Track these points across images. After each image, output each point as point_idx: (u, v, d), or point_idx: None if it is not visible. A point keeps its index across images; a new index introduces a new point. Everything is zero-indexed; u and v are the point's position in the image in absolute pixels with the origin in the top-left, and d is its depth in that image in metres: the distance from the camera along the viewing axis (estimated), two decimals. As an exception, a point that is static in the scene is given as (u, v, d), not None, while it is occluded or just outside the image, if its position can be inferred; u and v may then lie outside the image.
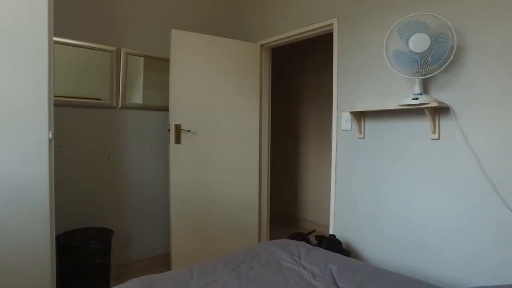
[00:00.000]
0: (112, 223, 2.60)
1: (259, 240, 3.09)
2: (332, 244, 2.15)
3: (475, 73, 1.68)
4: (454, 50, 1.68)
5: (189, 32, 2.63)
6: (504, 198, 1.58)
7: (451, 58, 1.68)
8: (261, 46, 3.01)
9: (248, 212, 2.96)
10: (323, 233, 2.81)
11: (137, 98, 2.73)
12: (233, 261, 1.64)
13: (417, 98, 1.76)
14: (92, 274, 2.23)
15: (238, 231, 2.90)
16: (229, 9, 3.33)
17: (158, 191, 2.85)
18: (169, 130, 2.58)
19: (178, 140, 2.59)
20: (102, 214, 2.56)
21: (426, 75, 1.76)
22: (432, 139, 1.86)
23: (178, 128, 2.58)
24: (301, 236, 2.43)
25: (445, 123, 1.80)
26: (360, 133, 2.20)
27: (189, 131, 2.63)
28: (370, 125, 2.17)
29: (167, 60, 2.78)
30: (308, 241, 2.30)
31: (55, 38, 2.22)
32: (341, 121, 2.34)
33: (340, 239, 2.23)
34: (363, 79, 2.20)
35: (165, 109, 2.80)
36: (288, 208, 4.40)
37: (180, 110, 2.59)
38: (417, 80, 1.81)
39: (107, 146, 2.57)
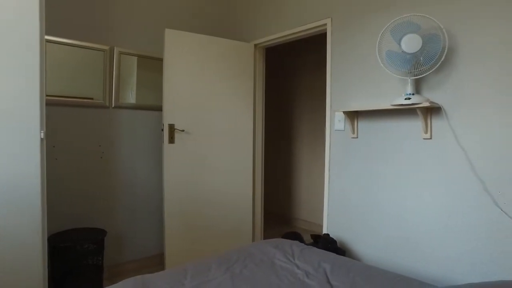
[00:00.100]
0: (105, 223, 2.58)
1: (253, 240, 3.09)
2: (327, 243, 2.17)
3: (465, 73, 1.71)
4: (446, 50, 1.70)
5: (182, 32, 2.63)
6: (494, 197, 1.60)
7: (442, 59, 1.70)
8: (255, 46, 3.02)
9: (242, 212, 2.96)
10: (318, 233, 2.82)
11: (131, 97, 2.72)
12: (226, 260, 1.64)
13: (409, 98, 1.78)
14: (84, 274, 2.21)
15: (232, 231, 2.90)
16: (223, 9, 3.33)
17: (152, 191, 2.84)
18: (162, 130, 2.57)
19: (171, 140, 2.58)
20: (95, 214, 2.54)
21: (418, 75, 1.78)
22: (424, 138, 1.88)
23: (171, 128, 2.57)
24: (295, 235, 2.44)
25: (436, 123, 1.82)
26: (353, 132, 2.22)
27: (183, 130, 2.62)
28: (363, 125, 2.19)
29: (160, 60, 2.77)
30: (301, 240, 2.31)
31: (47, 37, 2.20)
32: (335, 121, 2.35)
33: (334, 238, 2.25)
34: (356, 79, 2.21)
35: (159, 108, 2.79)
36: (282, 207, 4.41)
37: (174, 110, 2.59)
38: (409, 80, 1.83)
39: (100, 146, 2.55)
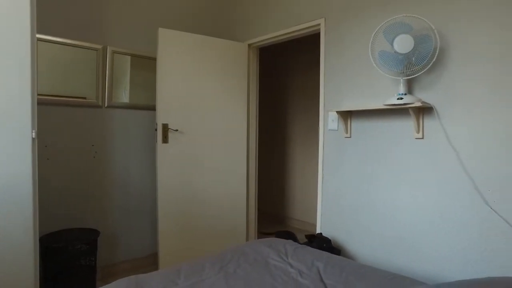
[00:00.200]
0: (98, 224, 2.56)
1: (247, 240, 3.09)
2: (323, 242, 2.18)
3: (456, 73, 1.73)
4: (437, 51, 1.72)
5: (176, 31, 2.62)
6: (484, 196, 1.63)
7: (434, 59, 1.72)
8: (249, 45, 3.02)
9: (236, 212, 2.96)
10: (312, 232, 2.83)
11: (124, 97, 2.70)
12: (220, 260, 1.64)
13: (401, 98, 1.80)
14: (77, 275, 2.19)
15: (226, 231, 2.90)
16: (216, 8, 3.32)
17: (145, 190, 2.82)
18: (156, 130, 2.56)
19: (165, 139, 2.57)
20: (88, 214, 2.52)
21: (411, 75, 1.80)
22: (416, 138, 1.90)
23: (165, 128, 2.57)
24: (288, 235, 2.44)
25: (428, 123, 1.84)
26: (347, 132, 2.23)
27: (177, 130, 2.62)
28: (356, 125, 2.20)
29: (154, 59, 2.76)
30: (295, 240, 2.32)
31: (38, 35, 2.19)
32: (328, 121, 2.37)
33: (328, 238, 2.26)
34: (350, 79, 2.23)
35: (152, 108, 2.77)
36: (276, 207, 4.42)
37: (167, 109, 2.58)
38: (401, 80, 1.84)
39: (93, 145, 2.53)
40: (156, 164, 2.58)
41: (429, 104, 1.80)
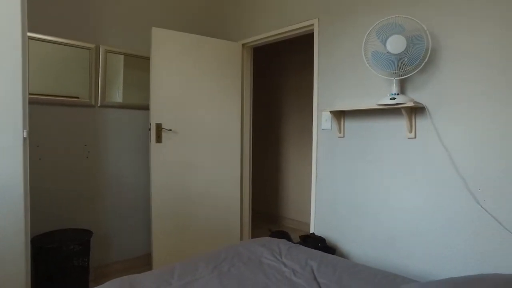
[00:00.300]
0: (91, 224, 2.54)
1: (241, 239, 3.09)
2: (318, 242, 2.19)
3: (448, 74, 1.75)
4: (429, 51, 1.74)
5: (170, 31, 2.61)
6: (475, 195, 1.65)
7: (426, 60, 1.74)
8: (243, 45, 3.02)
9: (229, 211, 2.96)
10: (307, 232, 2.84)
11: (117, 96, 2.68)
12: (214, 259, 1.64)
13: (394, 98, 1.81)
14: (70, 276, 2.18)
15: (220, 231, 2.90)
16: (210, 8, 3.32)
17: (139, 190, 2.81)
18: (149, 129, 2.55)
19: (159, 139, 2.56)
20: (81, 215, 2.50)
21: (403, 75, 1.82)
22: (408, 138, 1.92)
23: (159, 127, 2.56)
24: (282, 234, 2.45)
25: (421, 123, 1.86)
26: (340, 132, 2.25)
27: (170, 130, 2.61)
28: (349, 124, 2.22)
29: (148, 58, 2.75)
30: (289, 239, 2.33)
31: (30, 34, 2.16)
32: (322, 120, 2.38)
33: (322, 237, 2.27)
34: (343, 79, 2.24)
35: (146, 108, 2.76)
36: (270, 206, 4.43)
37: (161, 109, 2.57)
38: (394, 80, 1.86)
39: (85, 145, 2.51)
40: (150, 164, 2.57)
41: (421, 104, 1.82)
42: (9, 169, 1.63)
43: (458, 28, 1.71)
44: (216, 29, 3.28)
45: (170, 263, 2.15)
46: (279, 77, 4.32)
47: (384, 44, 1.81)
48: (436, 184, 1.79)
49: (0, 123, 1.61)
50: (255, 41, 2.91)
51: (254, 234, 3.36)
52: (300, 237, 2.32)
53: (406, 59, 1.78)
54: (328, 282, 1.43)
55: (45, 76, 2.32)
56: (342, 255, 2.24)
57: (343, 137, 2.25)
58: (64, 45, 2.38)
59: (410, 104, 1.76)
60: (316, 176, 2.43)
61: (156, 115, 2.55)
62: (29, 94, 2.14)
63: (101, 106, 2.58)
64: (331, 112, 2.21)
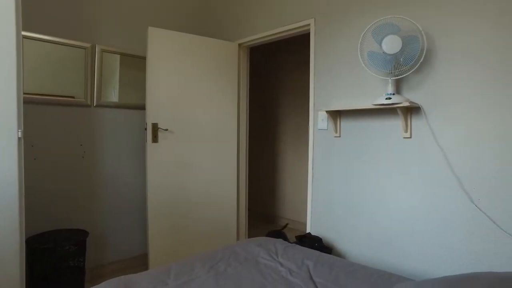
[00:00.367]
0: (87, 224, 2.53)
1: (238, 239, 3.09)
2: (314, 242, 2.19)
3: (443, 74, 1.76)
4: (424, 52, 1.75)
5: (166, 30, 2.60)
6: (469, 194, 1.66)
7: (421, 60, 1.75)
8: (239, 45, 3.02)
9: (226, 211, 2.96)
10: (303, 231, 2.85)
11: (113, 96, 2.67)
12: (210, 259, 1.64)
13: (390, 98, 1.82)
14: (65, 277, 2.16)
15: (217, 231, 2.90)
16: (207, 8, 3.31)
17: (135, 190, 2.80)
18: (146, 129, 2.54)
19: (155, 139, 2.55)
20: (76, 215, 2.49)
21: (399, 75, 1.83)
22: (404, 137, 1.93)
23: (155, 127, 2.55)
24: (279, 234, 2.45)
25: (416, 122, 1.87)
26: (336, 132, 2.25)
27: (167, 129, 2.60)
28: (345, 124, 2.22)
29: (144, 58, 2.74)
30: (285, 239, 2.33)
31: (24, 33, 2.15)
32: (318, 120, 2.38)
33: (319, 237, 2.28)
34: (339, 79, 2.25)
35: (142, 107, 2.75)
36: (266, 206, 4.43)
37: (157, 109, 2.56)
38: (390, 80, 1.87)
39: (81, 145, 2.50)
40: (146, 163, 2.56)
41: (417, 104, 1.83)
42: (3, 169, 1.62)
43: (453, 29, 1.72)
44: (213, 29, 3.28)
45: (167, 263, 2.15)
46: (275, 77, 4.33)
47: (380, 44, 1.81)
48: (432, 184, 1.81)
49: (-6, 123, 1.59)
50: (251, 41, 2.91)
51: (251, 234, 3.36)
52: (296, 237, 2.32)
53: (401, 59, 1.79)
54: (324, 281, 1.44)
55: (40, 75, 2.30)
56: (338, 254, 2.25)
57: (339, 137, 2.25)
58: (60, 44, 2.36)
59: (406, 104, 1.77)
60: (312, 176, 2.43)
61: (152, 115, 2.54)
62: (24, 93, 2.13)
63: (97, 105, 2.57)
64: (327, 112, 2.21)
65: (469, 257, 1.66)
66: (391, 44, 1.77)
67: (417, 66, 1.77)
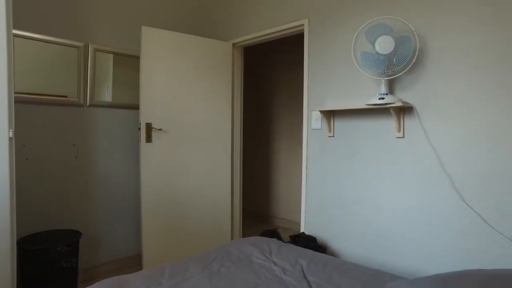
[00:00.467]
0: (80, 225, 2.51)
1: (232, 239, 3.09)
2: (309, 241, 2.20)
3: (435, 74, 1.78)
4: (417, 52, 1.77)
5: (160, 30, 2.59)
6: (461, 193, 1.68)
7: (414, 60, 1.77)
8: (233, 44, 3.02)
9: (220, 211, 2.96)
10: (297, 232, 2.85)
11: (107, 96, 2.66)
12: (204, 259, 1.64)
13: (383, 98, 1.84)
14: (58, 278, 2.15)
15: (211, 231, 2.89)
16: (201, 7, 3.31)
17: (128, 191, 2.78)
18: (139, 129, 2.53)
19: (149, 138, 2.54)
20: (69, 215, 2.47)
21: (392, 76, 1.84)
22: (397, 137, 1.94)
23: (149, 127, 2.54)
24: (273, 233, 2.46)
25: (409, 122, 1.89)
26: (330, 131, 2.26)
27: (160, 129, 2.59)
28: (339, 124, 2.24)
29: (137, 57, 2.73)
30: (279, 238, 2.34)
31: (15, 31, 2.13)
32: (312, 120, 2.39)
33: (313, 236, 2.29)
34: (333, 79, 2.26)
35: (136, 107, 2.74)
36: (260, 206, 4.44)
37: (151, 108, 2.55)
38: (383, 80, 1.88)
39: (74, 145, 2.48)
40: (140, 163, 2.55)
41: (410, 104, 1.85)
42: (-6, 169, 1.60)
43: (445, 29, 1.74)
44: (207, 29, 3.27)
45: (161, 263, 2.14)
46: (269, 77, 4.33)
47: (373, 45, 1.83)
48: (424, 183, 1.82)
49: (-15, 123, 1.57)
50: (245, 40, 2.91)
51: (245, 234, 3.36)
52: (291, 236, 2.33)
53: (394, 59, 1.80)
54: (318, 280, 1.44)
55: (32, 74, 2.28)
56: (332, 254, 2.26)
57: (333, 136, 2.27)
58: (52, 43, 2.34)
59: (399, 104, 1.78)
60: (306, 176, 2.44)
61: (146, 115, 2.53)
62: (15, 93, 2.11)
63: (90, 105, 2.55)
64: (321, 111, 2.22)
65: (460, 255, 1.68)
66: (384, 45, 1.78)
67: (409, 67, 1.79)
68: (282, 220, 4.14)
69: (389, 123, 1.97)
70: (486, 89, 1.61)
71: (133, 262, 2.77)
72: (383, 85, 1.88)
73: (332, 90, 2.27)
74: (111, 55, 2.66)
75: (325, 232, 2.31)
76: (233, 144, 3.08)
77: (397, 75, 1.82)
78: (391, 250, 1.95)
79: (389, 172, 1.98)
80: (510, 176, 1.54)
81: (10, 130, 1.65)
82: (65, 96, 2.43)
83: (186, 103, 2.73)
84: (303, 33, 2.48)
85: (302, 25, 2.44)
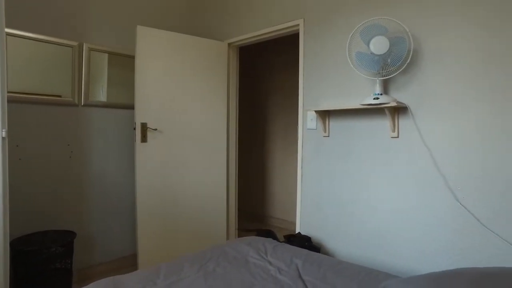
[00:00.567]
0: (74, 225, 2.49)
1: (228, 239, 3.09)
2: (304, 241, 2.20)
3: (429, 74, 1.80)
4: (411, 53, 1.78)
5: (155, 29, 2.59)
6: (455, 192, 1.70)
7: (408, 60, 1.78)
8: (229, 44, 3.02)
9: (216, 211, 2.95)
10: (293, 230, 2.86)
11: (101, 95, 2.64)
12: (200, 259, 1.64)
13: (377, 98, 1.85)
14: (52, 279, 2.13)
15: (206, 231, 2.89)
16: (196, 7, 3.30)
17: (123, 191, 2.77)
18: (134, 129, 2.52)
19: (144, 138, 2.53)
20: (64, 216, 2.45)
21: (386, 76, 1.85)
22: (392, 137, 1.96)
23: (144, 127, 2.53)
24: (268, 233, 2.46)
25: (403, 122, 1.90)
26: (325, 131, 2.27)
27: (156, 129, 2.58)
28: (334, 124, 2.24)
29: (132, 57, 2.71)
30: (275, 238, 2.34)
31: (8, 30, 2.11)
32: (307, 120, 2.40)
33: (308, 236, 2.29)
34: (328, 79, 2.27)
35: (131, 107, 2.72)
36: (256, 206, 4.44)
37: (146, 108, 2.54)
38: (378, 80, 1.89)
39: (68, 145, 2.46)
40: (135, 163, 2.54)
41: (404, 104, 1.86)
42: (-13, 169, 1.59)
43: (439, 30, 1.76)
44: (202, 28, 3.27)
45: (156, 263, 2.13)
46: (264, 77, 4.34)
47: (368, 45, 1.84)
48: (419, 182, 1.84)
49: (-23, 122, 1.56)
50: (241, 40, 2.91)
51: (241, 234, 3.36)
52: (285, 236, 2.33)
53: (389, 60, 1.81)
54: (313, 279, 1.45)
55: (25, 74, 2.26)
56: (327, 254, 2.26)
57: (328, 136, 2.27)
58: (46, 42, 2.32)
59: (393, 104, 1.80)
60: (302, 176, 2.45)
61: (141, 115, 2.52)
62: (8, 92, 2.09)
63: (85, 105, 2.53)
64: (316, 111, 2.23)
65: (454, 253, 1.69)
66: (379, 45, 1.79)
67: (404, 67, 1.80)
68: (278, 220, 4.14)
69: (383, 123, 1.99)
70: (480, 89, 1.63)
71: (128, 262, 2.76)
72: (377, 85, 1.89)
73: (327, 90, 2.28)
74: (106, 55, 2.65)
75: (320, 232, 2.32)
76: (229, 144, 3.08)
77: (391, 75, 1.83)
78: (386, 249, 1.97)
79: (384, 172, 1.99)
80: (503, 176, 1.56)
81: (3, 130, 1.64)
82: (59, 96, 2.41)
83: (182, 103, 2.73)
84: (298, 33, 2.48)
85: (298, 25, 2.45)
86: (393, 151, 1.95)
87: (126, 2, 2.76)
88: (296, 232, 2.44)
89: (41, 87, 2.33)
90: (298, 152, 2.47)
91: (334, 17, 2.23)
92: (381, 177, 2.00)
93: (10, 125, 2.08)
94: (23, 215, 2.25)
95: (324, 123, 2.26)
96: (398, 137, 1.93)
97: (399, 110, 1.91)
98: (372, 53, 1.82)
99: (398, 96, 1.91)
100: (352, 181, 2.14)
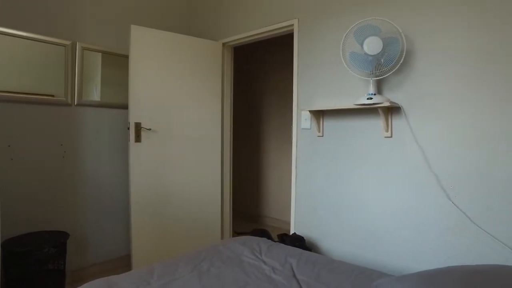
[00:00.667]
0: (68, 226, 2.47)
1: (222, 239, 3.09)
2: (296, 241, 2.21)
3: (422, 75, 1.81)
4: (404, 53, 1.80)
5: (149, 29, 2.57)
6: (447, 192, 1.72)
7: (401, 61, 1.80)
8: (223, 44, 3.01)
9: (210, 211, 2.95)
10: (287, 230, 2.86)
11: (95, 95, 2.62)
12: (194, 259, 1.64)
13: (371, 98, 1.86)
14: (45, 281, 2.11)
15: (201, 231, 2.89)
16: (191, 7, 3.30)
17: (117, 191, 2.76)
18: (128, 128, 2.51)
19: (138, 138, 2.52)
20: (56, 216, 2.43)
21: (380, 76, 1.87)
22: (385, 137, 1.97)
23: (138, 126, 2.52)
24: (263, 233, 2.47)
25: (396, 122, 1.92)
26: (319, 131, 2.28)
27: (150, 129, 2.57)
28: (328, 124, 2.26)
29: (126, 57, 2.70)
30: (269, 237, 2.35)
31: (0, 29, 2.08)
32: (301, 120, 2.41)
33: (302, 236, 2.30)
34: (322, 79, 2.28)
35: (125, 106, 2.71)
36: (250, 206, 4.44)
37: (140, 108, 2.53)
38: (371, 81, 1.91)
39: (61, 145, 2.44)
40: (129, 163, 2.52)
41: (397, 104, 1.88)
42: (-22, 169, 1.57)
43: (432, 30, 1.77)
44: (196, 28, 3.26)
45: (150, 263, 2.13)
46: (258, 77, 4.34)
47: (362, 45, 1.85)
48: (411, 181, 1.85)
49: (-32, 122, 1.54)
50: (235, 40, 2.91)
51: (235, 234, 3.36)
52: (278, 235, 2.34)
53: (382, 60, 1.83)
54: (307, 278, 1.46)
55: (17, 73, 2.24)
56: (322, 253, 2.27)
57: (322, 136, 2.28)
58: (38, 41, 2.30)
59: (387, 104, 1.81)
60: (296, 176, 2.45)
61: (135, 114, 2.51)
62: (0, 91, 2.07)
63: (78, 104, 2.52)
64: (310, 111, 2.24)
65: (446, 252, 1.71)
66: (372, 45, 1.81)
67: (397, 67, 1.81)
68: (272, 219, 4.15)
69: (377, 123, 2.00)
70: (473, 89, 1.65)
71: (122, 263, 2.75)
72: (371, 85, 1.90)
73: (321, 90, 2.29)
74: (100, 54, 2.63)
75: (314, 232, 2.33)
76: (223, 144, 3.08)
77: (385, 76, 1.85)
78: (379, 248, 1.98)
79: (377, 171, 2.00)
80: (495, 175, 1.58)
81: (-5, 129, 1.62)
82: (52, 95, 2.39)
83: (176, 102, 2.72)
84: (292, 33, 2.49)
85: (292, 25, 2.45)
86: (386, 150, 1.96)
87: (120, 1, 2.74)
88: (291, 232, 2.44)
89: (34, 87, 2.31)
90: (292, 152, 2.48)
91: (328, 17, 2.24)
92: (375, 176, 2.01)
93: (2, 125, 2.06)
94: (15, 216, 2.23)
95: (318, 123, 2.27)
96: (391, 136, 1.94)
97: (392, 110, 1.93)
98: (365, 53, 1.83)
99: (391, 96, 1.92)
100: (346, 181, 2.15)
